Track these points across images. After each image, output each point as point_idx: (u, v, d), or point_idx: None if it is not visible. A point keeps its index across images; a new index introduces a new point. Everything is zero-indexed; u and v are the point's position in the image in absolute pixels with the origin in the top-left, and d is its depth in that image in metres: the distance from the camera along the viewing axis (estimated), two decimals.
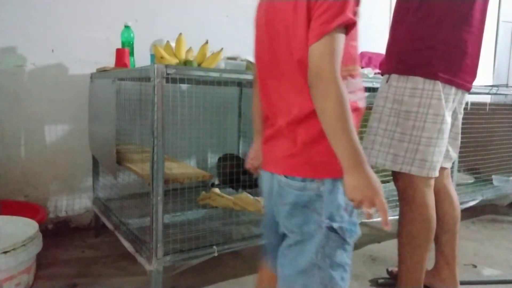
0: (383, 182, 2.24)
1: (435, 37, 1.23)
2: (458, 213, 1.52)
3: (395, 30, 1.34)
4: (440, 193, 1.49)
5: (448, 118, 1.29)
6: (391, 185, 2.18)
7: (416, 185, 1.29)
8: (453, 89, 1.28)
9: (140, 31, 2.05)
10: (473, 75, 1.34)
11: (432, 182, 1.33)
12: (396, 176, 1.34)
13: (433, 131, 1.25)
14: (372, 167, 1.40)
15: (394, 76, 1.29)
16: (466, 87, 1.32)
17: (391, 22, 1.36)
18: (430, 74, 1.23)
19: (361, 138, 1.39)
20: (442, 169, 1.48)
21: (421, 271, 1.33)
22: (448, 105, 1.28)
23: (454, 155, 1.50)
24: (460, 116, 1.46)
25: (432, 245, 1.55)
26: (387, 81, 1.32)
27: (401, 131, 1.27)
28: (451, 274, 1.54)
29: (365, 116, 1.49)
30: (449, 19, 1.23)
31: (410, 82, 1.25)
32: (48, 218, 2.08)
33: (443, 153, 1.31)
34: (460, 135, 1.49)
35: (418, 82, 1.24)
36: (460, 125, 1.47)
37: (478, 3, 1.26)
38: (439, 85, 1.24)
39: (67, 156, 2.13)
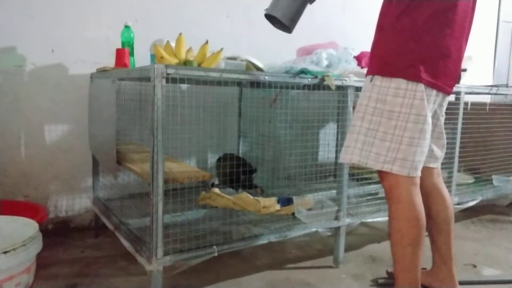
0: (378, 182, 2.25)
1: (419, 40, 1.25)
2: (451, 212, 1.53)
3: (379, 33, 1.35)
4: (432, 193, 1.50)
5: (429, 119, 1.30)
6: None
7: (402, 184, 1.30)
8: (434, 92, 1.30)
9: (140, 31, 2.05)
10: (455, 79, 1.36)
11: (417, 180, 1.33)
12: (382, 175, 1.34)
13: (415, 131, 1.26)
14: (355, 166, 1.40)
15: (377, 77, 1.31)
16: (447, 90, 1.34)
17: (376, 25, 1.37)
18: (413, 76, 1.25)
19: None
20: (431, 169, 1.50)
21: (416, 270, 1.33)
22: (429, 106, 1.29)
23: (440, 154, 1.51)
24: (442, 118, 1.48)
25: (429, 245, 1.56)
26: (370, 81, 1.33)
27: (384, 130, 1.28)
28: (449, 274, 1.55)
29: None
30: (432, 23, 1.25)
31: (394, 83, 1.27)
32: (48, 218, 2.08)
33: (425, 153, 1.32)
34: (444, 135, 1.51)
35: (401, 83, 1.26)
36: (443, 125, 1.49)
37: (460, 8, 1.28)
38: (422, 86, 1.25)
39: (67, 156, 2.13)
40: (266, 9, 1.44)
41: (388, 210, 1.36)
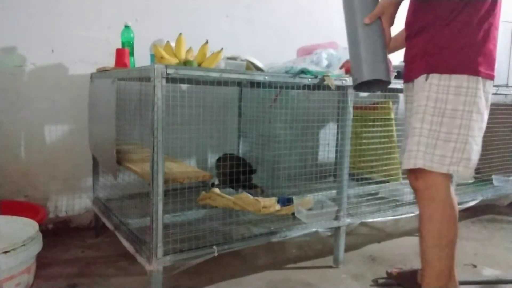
0: (381, 182, 2.25)
1: (475, 35, 1.24)
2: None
3: (428, 31, 1.30)
4: None
5: (486, 117, 1.29)
6: (392, 185, 2.18)
7: (441, 184, 1.27)
8: (491, 85, 1.29)
9: (140, 31, 2.05)
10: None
11: (450, 180, 1.31)
12: (417, 175, 1.30)
13: (475, 129, 1.25)
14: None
15: (435, 75, 1.27)
16: (494, 78, 1.33)
17: (413, 24, 1.35)
18: (473, 71, 1.23)
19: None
20: None
21: (449, 276, 1.29)
22: (488, 103, 1.29)
23: None
24: None
25: None
26: (426, 80, 1.28)
27: (447, 130, 1.25)
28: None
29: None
30: (484, 18, 1.25)
31: (454, 80, 1.24)
32: (48, 218, 2.08)
33: (480, 151, 1.31)
34: None
35: (463, 80, 1.24)
36: None
37: (499, 3, 1.29)
38: (481, 83, 1.24)
39: (67, 156, 2.13)
40: (355, 80, 1.29)
41: (423, 211, 1.31)
